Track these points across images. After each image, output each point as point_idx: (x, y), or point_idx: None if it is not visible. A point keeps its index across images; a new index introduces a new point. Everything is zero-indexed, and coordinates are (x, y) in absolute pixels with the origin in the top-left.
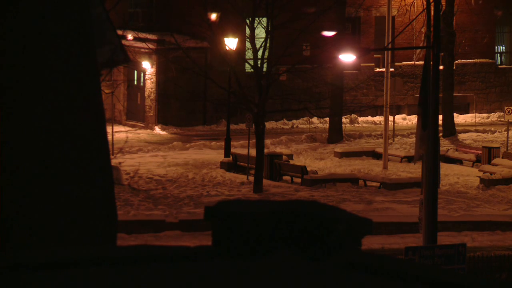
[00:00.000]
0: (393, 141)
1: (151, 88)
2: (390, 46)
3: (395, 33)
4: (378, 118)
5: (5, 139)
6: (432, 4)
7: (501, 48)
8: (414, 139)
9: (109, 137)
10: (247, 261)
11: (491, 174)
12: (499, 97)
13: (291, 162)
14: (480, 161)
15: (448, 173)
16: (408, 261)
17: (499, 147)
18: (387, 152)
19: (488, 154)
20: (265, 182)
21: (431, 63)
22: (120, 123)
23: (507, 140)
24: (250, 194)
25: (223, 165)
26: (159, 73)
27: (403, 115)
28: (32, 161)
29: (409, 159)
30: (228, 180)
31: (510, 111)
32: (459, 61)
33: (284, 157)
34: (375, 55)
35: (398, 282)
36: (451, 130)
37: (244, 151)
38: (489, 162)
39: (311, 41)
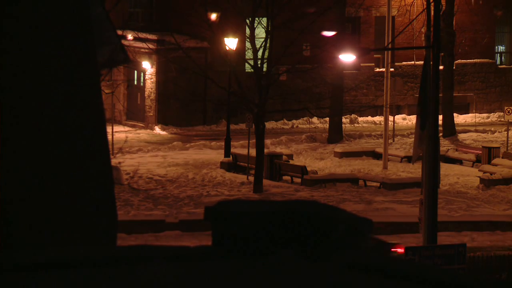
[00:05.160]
0: (393, 141)
1: (151, 88)
2: (390, 46)
3: (395, 33)
4: (378, 118)
5: (5, 139)
6: (432, 4)
7: (501, 48)
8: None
9: (109, 137)
10: (247, 261)
11: (491, 174)
12: (499, 97)
13: (291, 162)
14: (480, 161)
15: (448, 173)
16: (408, 261)
17: (499, 147)
18: (387, 152)
19: (488, 154)
20: (265, 182)
21: (431, 63)
22: (120, 123)
23: (507, 140)
24: (250, 194)
25: (223, 165)
26: (159, 73)
27: (403, 115)
28: (32, 161)
29: (409, 159)
30: (228, 180)
31: (510, 111)
32: (459, 61)
33: (284, 157)
34: (375, 55)
35: (398, 282)
36: (451, 130)
37: (244, 151)
38: (489, 162)
39: (311, 41)
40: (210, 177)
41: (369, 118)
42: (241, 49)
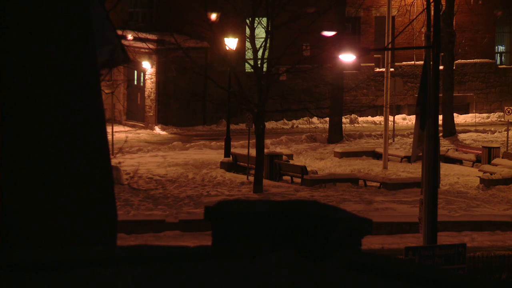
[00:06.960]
0: (393, 141)
1: (151, 88)
2: (390, 46)
3: (395, 33)
4: (378, 118)
5: (5, 139)
6: (432, 4)
7: (501, 48)
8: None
9: (109, 137)
10: (247, 261)
11: (491, 174)
12: (499, 97)
13: (291, 162)
14: (480, 161)
15: (448, 173)
16: (408, 261)
17: (499, 147)
18: (387, 152)
19: (488, 154)
20: (265, 182)
21: (431, 63)
22: (120, 123)
23: (507, 140)
24: (250, 194)
25: (223, 165)
26: (159, 73)
27: (403, 115)
28: (32, 161)
29: (409, 159)
30: (228, 180)
31: (510, 111)
32: (459, 61)
33: (284, 157)
34: (375, 55)
35: (398, 282)
36: (451, 130)
37: (244, 151)
38: (489, 162)
39: (311, 41)
40: (210, 177)
41: (369, 118)
42: (241, 49)
